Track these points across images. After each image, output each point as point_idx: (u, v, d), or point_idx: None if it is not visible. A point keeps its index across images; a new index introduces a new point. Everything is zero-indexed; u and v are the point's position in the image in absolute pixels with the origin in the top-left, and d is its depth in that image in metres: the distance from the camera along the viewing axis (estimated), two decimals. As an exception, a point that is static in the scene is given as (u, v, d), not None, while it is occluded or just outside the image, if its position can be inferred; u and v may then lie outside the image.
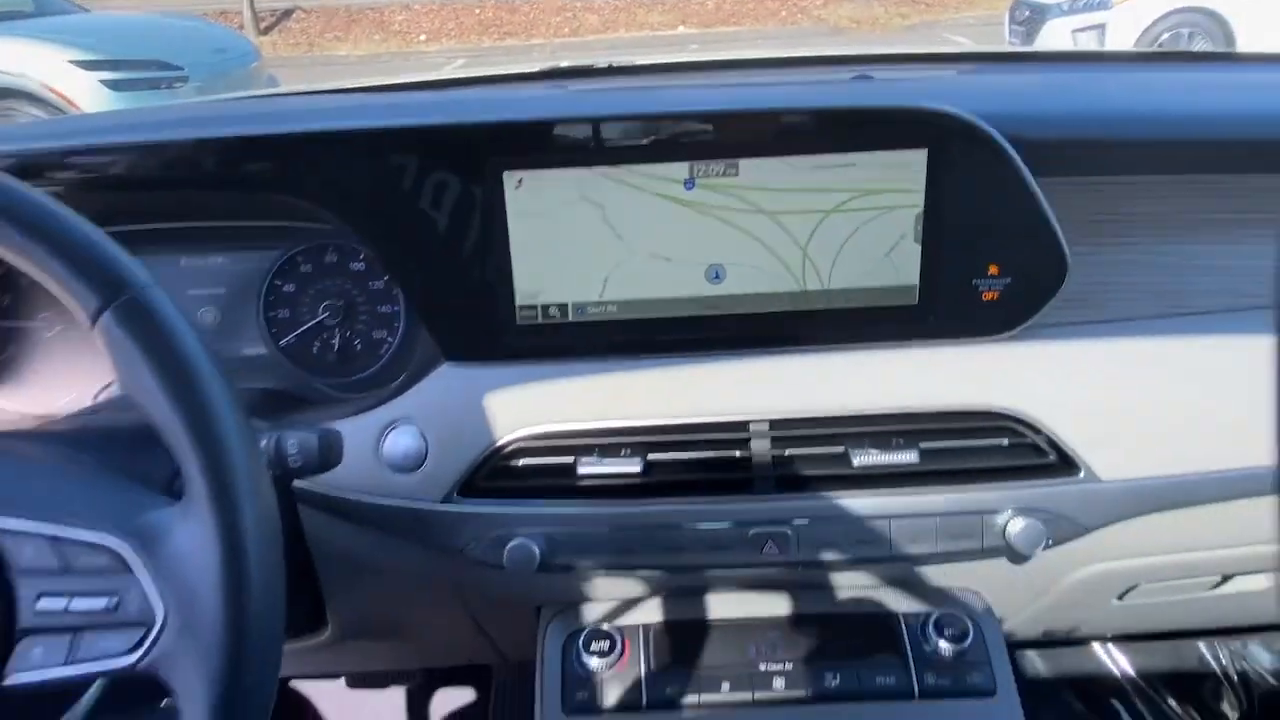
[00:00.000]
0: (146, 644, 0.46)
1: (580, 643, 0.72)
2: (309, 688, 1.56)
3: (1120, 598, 0.83)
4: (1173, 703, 1.50)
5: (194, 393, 0.45)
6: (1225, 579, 0.84)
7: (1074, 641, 1.48)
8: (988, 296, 0.70)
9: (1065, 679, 1.51)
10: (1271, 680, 1.51)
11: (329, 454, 0.58)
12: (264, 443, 0.57)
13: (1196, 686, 1.50)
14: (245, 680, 0.45)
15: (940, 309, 0.70)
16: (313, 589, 0.82)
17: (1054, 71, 0.91)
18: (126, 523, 0.47)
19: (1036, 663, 1.53)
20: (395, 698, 1.53)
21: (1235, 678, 1.52)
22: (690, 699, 0.70)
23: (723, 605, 0.75)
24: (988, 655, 0.72)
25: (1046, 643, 1.43)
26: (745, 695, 0.70)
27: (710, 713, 0.70)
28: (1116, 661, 1.53)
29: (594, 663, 0.71)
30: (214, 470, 0.45)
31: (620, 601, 0.76)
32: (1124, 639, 1.52)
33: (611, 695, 0.71)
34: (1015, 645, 1.02)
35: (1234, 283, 0.75)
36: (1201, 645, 1.54)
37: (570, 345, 0.71)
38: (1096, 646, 1.54)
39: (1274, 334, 0.73)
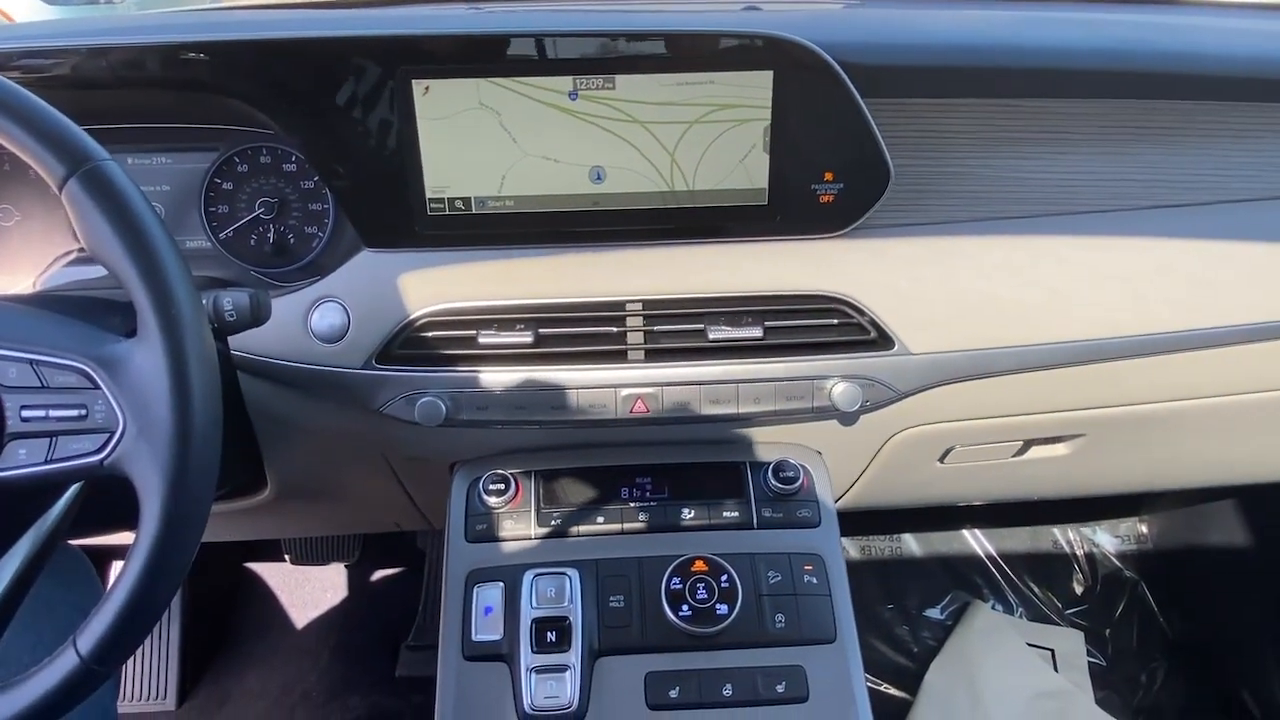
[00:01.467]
0: (111, 445, 0.58)
1: (481, 485, 0.86)
2: (260, 568, 1.70)
3: (941, 460, 1.00)
4: (1029, 580, 1.70)
5: (146, 243, 0.56)
6: (1027, 445, 1.01)
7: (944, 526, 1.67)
8: (825, 199, 0.84)
9: (937, 558, 1.71)
10: (1114, 560, 1.72)
11: (259, 311, 0.70)
12: (204, 301, 0.68)
13: (1049, 567, 1.71)
14: (191, 472, 0.57)
15: (785, 209, 0.84)
16: (253, 454, 0.94)
17: (905, 7, 1.03)
18: (92, 350, 0.59)
19: (912, 544, 1.73)
20: (336, 575, 1.67)
21: (1083, 559, 1.72)
22: (571, 529, 0.85)
23: (600, 456, 0.89)
24: (815, 495, 0.87)
25: (918, 515, 1.61)
26: (616, 527, 0.85)
27: (587, 541, 0.85)
28: (982, 544, 1.73)
29: (492, 500, 0.85)
30: (163, 306, 0.57)
31: (515, 453, 0.90)
32: (986, 525, 1.72)
33: (506, 528, 0.85)
34: (873, 511, 1.19)
35: (1040, 192, 0.89)
36: (1055, 530, 1.74)
37: (473, 234, 0.83)
38: (965, 532, 1.73)
39: (1065, 234, 0.88)
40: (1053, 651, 1.57)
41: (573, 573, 0.81)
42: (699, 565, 0.82)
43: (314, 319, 0.83)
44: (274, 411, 0.90)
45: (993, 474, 1.05)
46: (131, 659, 1.48)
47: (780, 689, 0.78)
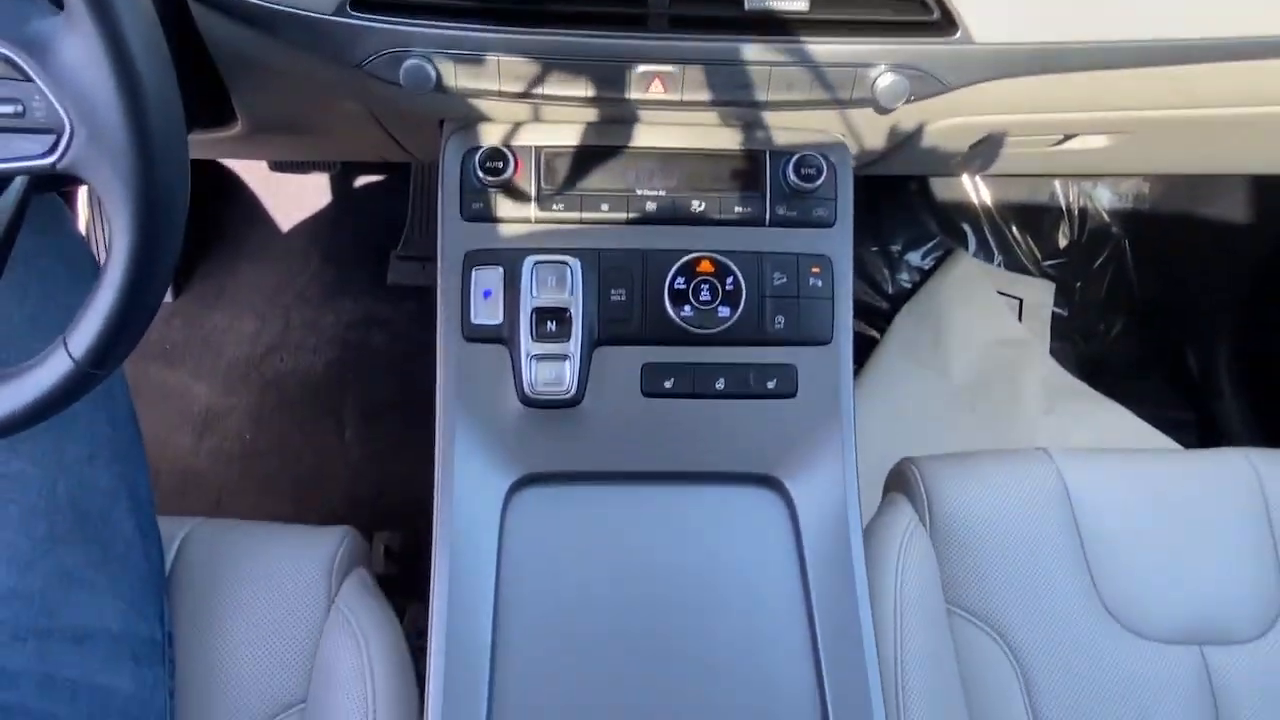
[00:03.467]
0: (60, 149, 0.51)
1: (477, 159, 0.79)
2: (238, 166, 1.64)
3: (972, 147, 0.93)
4: (1016, 230, 1.71)
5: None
6: (1067, 137, 0.93)
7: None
8: None
9: (930, 202, 1.69)
10: (1105, 216, 1.73)
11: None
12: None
13: (1039, 218, 1.71)
14: (157, 178, 0.51)
15: None
16: (215, 84, 0.84)
17: None
18: (14, 32, 0.49)
19: (908, 186, 1.70)
20: (320, 181, 1.62)
21: (1076, 212, 1.72)
22: (572, 215, 0.80)
23: (608, 135, 0.81)
24: (835, 194, 0.82)
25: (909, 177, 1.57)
26: (621, 215, 0.81)
27: (589, 227, 0.81)
28: (979, 191, 1.71)
29: (488, 179, 0.79)
30: None
31: (515, 125, 0.81)
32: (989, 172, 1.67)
33: (504, 208, 0.80)
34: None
35: None
36: (1056, 183, 1.72)
37: None
38: (965, 178, 1.69)
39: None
40: (1021, 301, 1.63)
41: (574, 262, 0.78)
42: (705, 266, 0.79)
43: (270, -54, 0.69)
44: (236, 50, 0.78)
45: (1025, 157, 0.99)
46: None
47: (771, 385, 0.81)
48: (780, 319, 0.80)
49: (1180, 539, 0.89)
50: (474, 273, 0.80)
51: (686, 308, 0.79)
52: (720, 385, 0.80)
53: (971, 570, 0.88)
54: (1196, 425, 1.58)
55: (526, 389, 0.78)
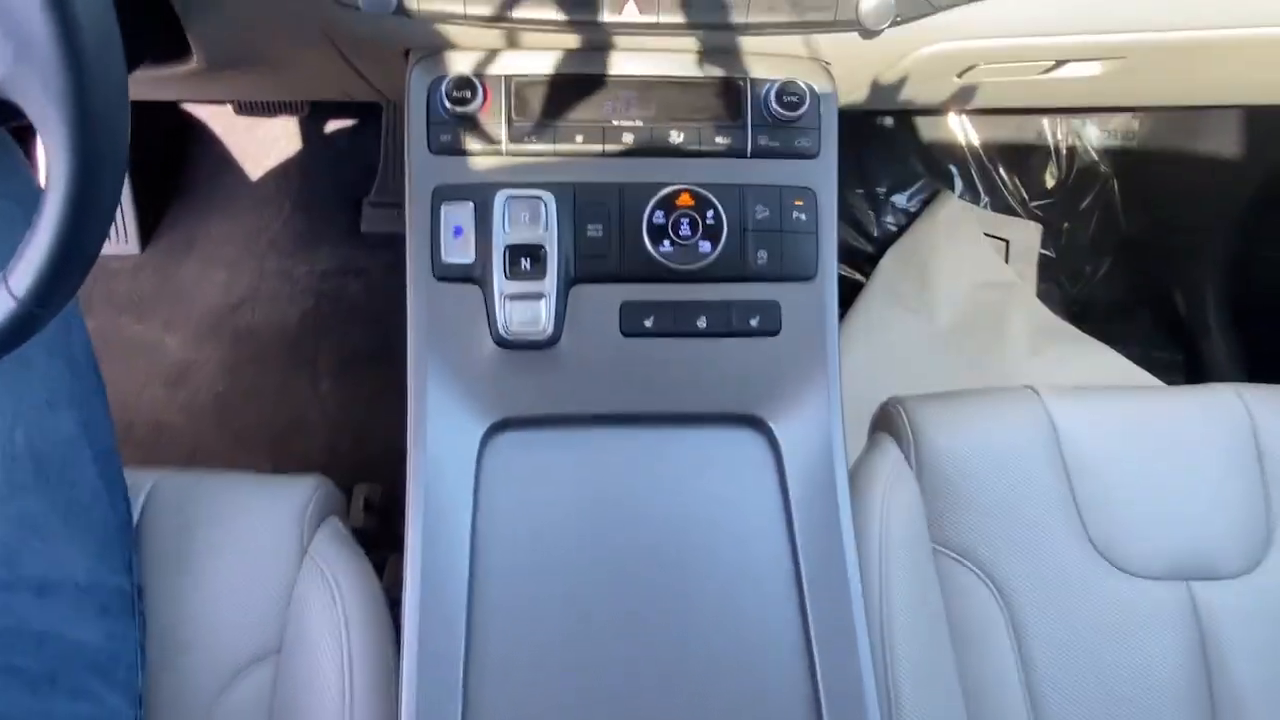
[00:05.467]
0: None
1: (444, 88, 0.75)
2: (204, 113, 1.58)
3: (959, 75, 0.89)
4: (1003, 171, 1.68)
5: None
6: (1059, 64, 0.90)
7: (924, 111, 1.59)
8: None
9: (916, 143, 1.66)
10: (1094, 154, 1.70)
11: None
12: None
13: (1027, 157, 1.68)
14: (93, 96, 0.47)
15: None
16: (167, 13, 0.80)
17: None
18: None
19: (892, 127, 1.66)
20: (287, 125, 1.57)
21: (1064, 151, 1.69)
22: (545, 146, 0.77)
23: (583, 64, 0.77)
24: (819, 124, 0.79)
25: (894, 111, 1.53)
26: (596, 147, 0.77)
27: (564, 160, 0.77)
28: (966, 131, 1.67)
29: (457, 109, 0.75)
30: None
31: (484, 53, 0.77)
32: (975, 111, 1.64)
33: (473, 140, 0.77)
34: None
35: None
36: (1044, 121, 1.68)
37: None
38: (952, 117, 1.66)
39: None
40: (1008, 242, 1.61)
41: (548, 197, 0.75)
42: (684, 199, 0.76)
43: None
44: (184, -25, 0.74)
45: (1013, 88, 0.96)
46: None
47: (754, 322, 0.78)
48: (763, 254, 0.78)
49: (1168, 475, 0.88)
50: (443, 209, 0.76)
51: (666, 243, 0.76)
52: (701, 324, 0.78)
53: (958, 509, 0.87)
54: (1184, 366, 1.57)
55: (501, 330, 0.75)
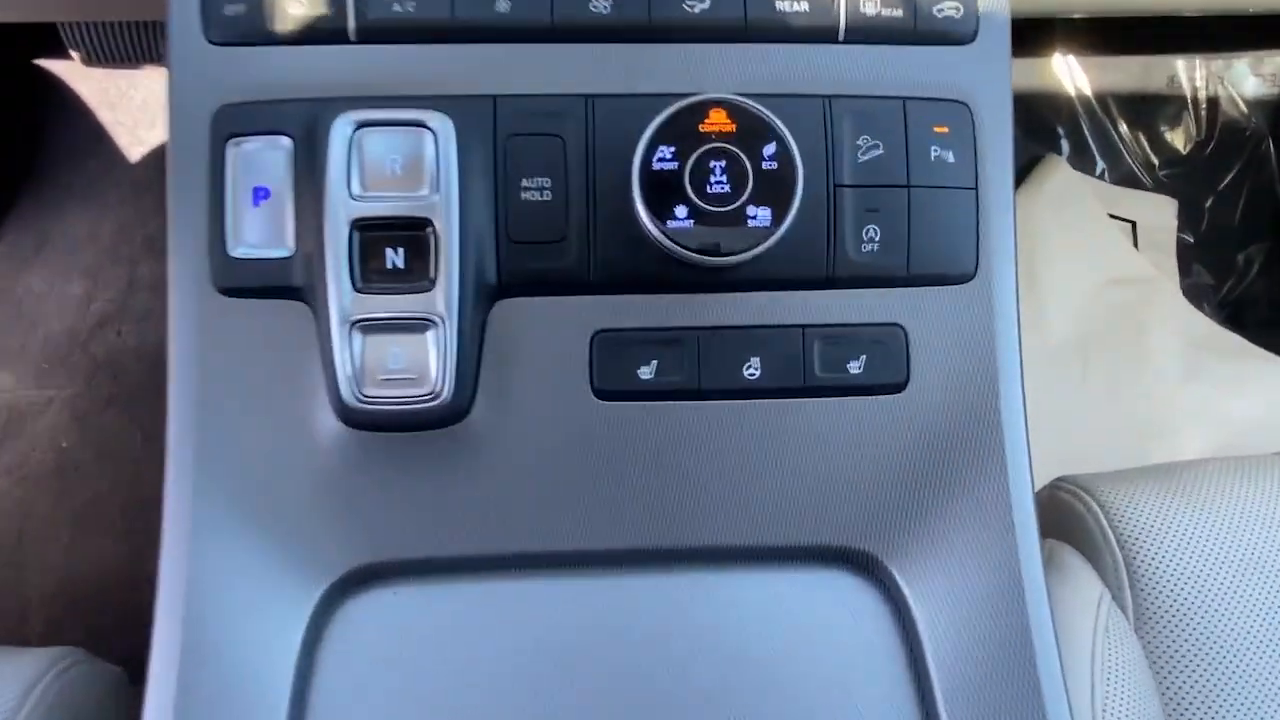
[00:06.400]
0: None
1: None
2: (58, 71, 1.25)
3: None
4: (1124, 129, 1.31)
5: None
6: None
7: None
8: None
9: (1015, 93, 1.29)
10: (1242, 106, 1.32)
11: None
12: None
13: (1155, 112, 1.32)
14: None
15: None
16: None
17: None
18: None
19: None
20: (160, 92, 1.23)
21: (1204, 103, 1.32)
22: (435, 17, 0.39)
23: None
24: None
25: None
26: (540, 18, 0.39)
27: (469, 51, 0.40)
28: (1074, 76, 1.30)
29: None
30: None
31: None
32: (1087, 50, 1.28)
33: (290, 8, 0.39)
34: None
35: None
36: (1179, 62, 1.32)
37: None
38: (1058, 58, 1.29)
39: None
40: (1134, 224, 1.28)
41: (439, 121, 0.37)
42: (715, 117, 0.37)
43: None
44: None
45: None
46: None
47: (855, 368, 0.40)
48: (872, 230, 0.40)
49: None
50: (232, 150, 0.39)
51: (681, 209, 0.37)
52: (752, 372, 0.40)
53: (1214, 683, 0.49)
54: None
55: (347, 392, 0.37)
